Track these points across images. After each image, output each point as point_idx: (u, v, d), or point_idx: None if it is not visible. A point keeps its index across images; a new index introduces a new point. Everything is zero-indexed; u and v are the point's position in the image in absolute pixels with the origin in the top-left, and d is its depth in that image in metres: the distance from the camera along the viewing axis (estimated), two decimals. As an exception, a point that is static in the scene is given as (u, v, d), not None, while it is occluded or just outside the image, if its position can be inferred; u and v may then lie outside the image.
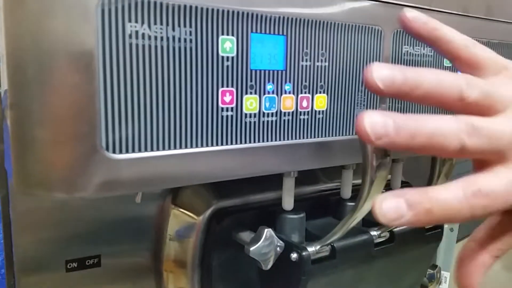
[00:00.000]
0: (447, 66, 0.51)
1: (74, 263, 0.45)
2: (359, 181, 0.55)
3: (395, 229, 0.49)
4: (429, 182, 0.56)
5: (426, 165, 0.65)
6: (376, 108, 0.46)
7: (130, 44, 0.30)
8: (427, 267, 0.58)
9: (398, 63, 0.47)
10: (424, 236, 0.52)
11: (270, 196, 0.52)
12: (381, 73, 0.28)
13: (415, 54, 0.48)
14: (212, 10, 0.34)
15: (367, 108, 0.45)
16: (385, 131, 0.26)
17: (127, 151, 0.31)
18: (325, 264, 0.43)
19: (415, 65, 0.48)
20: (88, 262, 0.46)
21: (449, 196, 0.26)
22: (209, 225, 0.48)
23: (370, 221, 0.53)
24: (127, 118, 0.31)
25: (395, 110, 0.47)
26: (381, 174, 0.37)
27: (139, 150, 0.32)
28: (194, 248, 0.48)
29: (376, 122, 0.26)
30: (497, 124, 0.29)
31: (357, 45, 0.43)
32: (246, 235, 0.45)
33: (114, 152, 0.31)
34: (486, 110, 0.29)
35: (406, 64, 0.47)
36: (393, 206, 0.26)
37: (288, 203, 0.47)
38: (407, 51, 0.47)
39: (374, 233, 0.48)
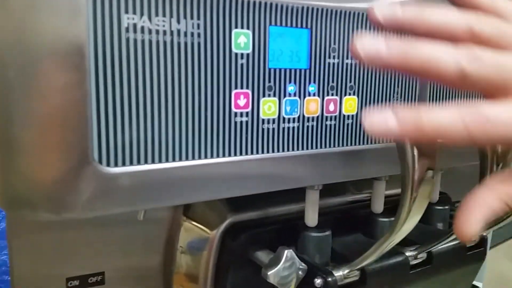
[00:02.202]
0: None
1: (76, 281, 0.41)
2: (392, 192, 0.50)
3: (433, 250, 0.43)
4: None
5: (468, 177, 0.59)
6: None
7: (127, 39, 0.26)
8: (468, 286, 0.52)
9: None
10: (466, 256, 0.46)
11: (292, 209, 0.47)
12: (383, 10, 0.27)
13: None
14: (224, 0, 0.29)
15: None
16: (376, 50, 0.25)
17: (123, 164, 0.27)
18: (354, 290, 0.38)
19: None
20: (91, 279, 0.42)
21: (444, 114, 0.24)
22: (223, 240, 0.43)
23: (407, 239, 0.47)
24: (124, 125, 0.27)
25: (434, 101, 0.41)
26: (423, 190, 0.31)
27: (138, 163, 0.28)
28: (206, 264, 0.43)
29: (367, 43, 0.25)
30: (505, 55, 0.26)
31: (393, 40, 0.37)
32: (264, 255, 0.40)
33: (108, 164, 0.27)
34: (497, 47, 0.26)
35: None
36: (382, 118, 0.24)
37: (311, 219, 0.41)
38: (450, 46, 0.41)
39: (409, 253, 0.42)
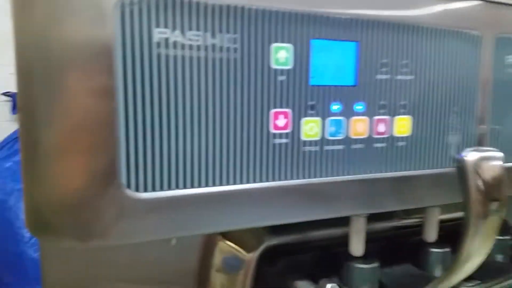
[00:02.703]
0: None
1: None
2: (447, 216, 0.45)
3: (496, 285, 0.38)
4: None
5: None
6: (471, 133, 0.36)
7: (159, 55, 0.24)
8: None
9: (500, 76, 0.36)
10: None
11: (334, 233, 0.43)
12: None
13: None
14: (263, 11, 0.26)
15: (463, 134, 0.35)
16: None
17: (153, 189, 0.25)
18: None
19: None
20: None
21: None
22: (260, 264, 0.40)
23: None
24: (154, 147, 0.25)
25: (496, 132, 0.37)
26: (489, 222, 0.27)
27: (169, 188, 0.25)
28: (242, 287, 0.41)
29: None
30: None
31: (450, 54, 0.33)
32: (304, 285, 0.37)
33: (137, 189, 0.25)
34: None
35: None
36: None
37: (357, 248, 0.38)
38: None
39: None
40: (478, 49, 0.35)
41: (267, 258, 0.41)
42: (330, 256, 0.40)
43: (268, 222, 0.29)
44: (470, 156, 0.25)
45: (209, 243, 0.45)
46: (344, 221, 0.39)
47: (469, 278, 0.39)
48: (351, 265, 0.37)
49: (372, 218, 0.43)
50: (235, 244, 0.43)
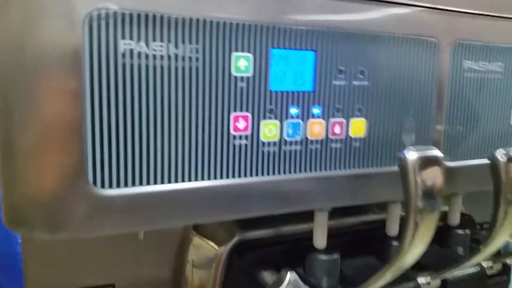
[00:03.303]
0: (522, 84, 0.43)
1: (86, 291, 0.42)
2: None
3: (449, 276, 0.41)
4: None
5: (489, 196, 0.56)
6: (425, 133, 0.38)
7: (124, 64, 0.26)
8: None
9: (458, 81, 0.39)
10: (486, 283, 0.44)
11: (302, 228, 0.46)
12: None
13: (480, 71, 0.40)
14: (224, 24, 0.29)
15: (418, 136, 0.38)
16: None
17: (118, 186, 0.27)
18: (359, 318, 0.37)
19: (480, 84, 0.40)
20: (101, 291, 0.43)
21: None
22: (231, 258, 0.43)
23: (421, 264, 0.45)
24: (119, 147, 0.27)
25: (451, 134, 0.40)
26: (427, 218, 0.30)
27: (133, 184, 0.28)
28: (214, 281, 0.43)
29: None
30: None
31: (406, 60, 0.36)
32: (269, 276, 0.40)
33: (103, 186, 0.27)
34: None
35: (469, 83, 0.40)
36: None
37: (320, 241, 0.40)
38: (470, 67, 0.39)
39: (422, 280, 0.40)
40: (435, 55, 0.37)
41: (238, 252, 0.43)
42: (297, 249, 0.43)
43: (229, 216, 0.31)
44: (411, 154, 0.28)
45: (184, 240, 0.47)
46: (310, 217, 0.42)
47: (426, 269, 0.42)
48: (314, 256, 0.40)
49: (339, 213, 0.45)
50: (208, 239, 0.45)
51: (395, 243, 0.44)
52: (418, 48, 0.36)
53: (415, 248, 0.30)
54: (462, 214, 0.50)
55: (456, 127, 0.40)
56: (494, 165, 0.32)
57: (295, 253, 0.43)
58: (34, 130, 0.26)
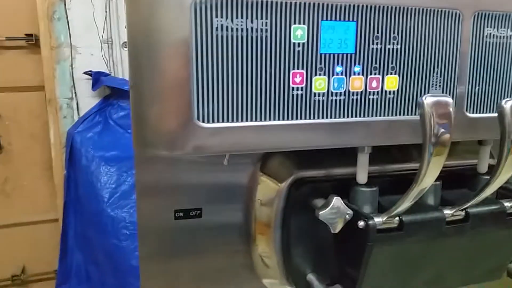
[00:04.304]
0: (541, 46, 0.49)
1: (181, 212, 0.55)
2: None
3: (471, 210, 0.50)
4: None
5: None
6: (453, 90, 0.47)
7: (217, 36, 0.38)
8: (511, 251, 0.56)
9: (479, 46, 0.47)
10: (505, 220, 0.51)
11: (349, 171, 0.56)
12: None
13: (500, 36, 0.47)
14: (286, 3, 0.39)
15: (443, 90, 0.46)
16: None
17: (214, 121, 0.39)
18: (391, 235, 0.47)
19: (499, 49, 0.48)
20: (192, 213, 0.56)
21: None
22: (289, 192, 0.54)
23: (449, 200, 0.54)
24: (214, 96, 0.39)
25: (474, 91, 0.48)
26: (439, 151, 0.39)
27: (224, 121, 0.40)
28: (276, 212, 0.55)
29: None
30: None
31: (433, 28, 0.44)
32: (320, 202, 0.50)
33: (203, 121, 0.39)
34: None
35: (490, 48, 0.47)
36: None
37: (362, 177, 0.50)
38: (490, 33, 0.47)
39: (447, 211, 0.49)
40: (458, 24, 0.45)
41: (294, 187, 0.54)
42: (344, 185, 0.53)
43: (288, 148, 0.42)
44: (427, 99, 0.37)
45: (251, 181, 0.59)
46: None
47: (453, 203, 0.51)
48: (356, 188, 0.50)
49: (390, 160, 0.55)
50: (272, 177, 0.56)
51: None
52: (443, 18, 0.44)
53: (430, 175, 0.40)
54: (492, 165, 0.57)
55: (478, 85, 0.48)
56: (500, 112, 0.40)
57: (343, 188, 0.53)
58: (158, 82, 0.38)
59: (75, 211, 1.79)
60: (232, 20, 0.38)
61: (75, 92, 1.82)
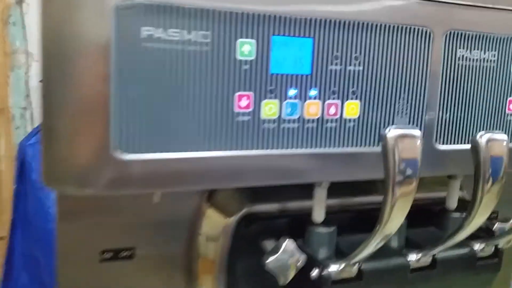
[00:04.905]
0: (516, 74, 0.45)
1: (109, 253, 0.47)
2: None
3: (438, 255, 0.44)
4: None
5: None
6: (421, 118, 0.41)
7: (145, 48, 0.31)
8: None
9: (451, 69, 0.42)
10: (475, 265, 0.46)
11: (306, 205, 0.49)
12: None
13: (473, 59, 0.43)
14: (230, 13, 0.33)
15: (410, 118, 0.41)
16: None
17: (136, 152, 0.32)
18: (349, 286, 0.40)
19: (473, 72, 0.43)
20: (122, 254, 0.48)
21: None
22: (237, 228, 0.47)
23: (414, 241, 0.48)
24: (140, 119, 0.32)
25: (444, 119, 0.43)
26: (404, 193, 0.33)
27: (150, 151, 0.33)
28: (222, 250, 0.48)
29: None
30: None
31: (399, 48, 0.39)
32: (270, 244, 0.44)
33: (124, 151, 0.32)
34: None
35: (463, 71, 0.42)
36: None
37: (318, 215, 0.44)
38: (463, 55, 0.42)
39: (412, 257, 0.43)
40: (428, 44, 0.40)
41: (244, 223, 0.47)
42: (299, 223, 0.47)
43: (231, 184, 0.36)
44: (391, 132, 0.31)
45: (196, 213, 0.52)
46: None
47: (417, 247, 0.45)
48: (311, 229, 0.44)
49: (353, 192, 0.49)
50: (219, 210, 0.50)
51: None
52: (411, 37, 0.39)
53: (394, 220, 0.34)
54: (462, 200, 0.53)
55: (449, 113, 0.43)
56: (474, 146, 0.35)
57: (297, 226, 0.47)
58: (69, 105, 0.31)
59: (23, 229, 1.66)
60: (164, 30, 0.31)
61: (29, 102, 1.71)
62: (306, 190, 0.45)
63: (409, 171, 0.32)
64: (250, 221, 0.47)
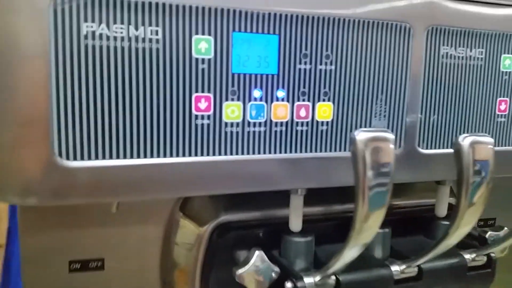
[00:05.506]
0: (504, 71, 0.42)
1: (77, 264, 0.45)
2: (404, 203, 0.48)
3: (425, 265, 0.41)
4: None
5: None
6: (402, 121, 0.38)
7: (86, 45, 0.29)
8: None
9: (435, 68, 0.39)
10: (465, 276, 0.43)
11: (284, 214, 0.47)
12: None
13: (459, 57, 0.40)
14: (183, 7, 0.30)
15: (388, 120, 0.38)
16: None
17: (82, 159, 0.30)
18: (326, 299, 0.37)
19: (459, 71, 0.40)
20: (91, 264, 0.46)
21: None
22: (212, 238, 0.44)
23: (400, 251, 0.45)
24: (82, 124, 0.29)
25: (428, 122, 0.40)
26: (375, 198, 0.30)
27: (96, 158, 0.30)
28: (195, 260, 0.45)
29: None
30: None
31: (376, 46, 0.36)
32: (243, 254, 0.41)
33: (68, 159, 0.29)
34: None
35: (447, 70, 0.39)
36: None
37: (295, 224, 0.41)
38: (447, 52, 0.39)
39: (396, 268, 0.40)
40: (408, 40, 0.37)
41: (217, 233, 0.45)
42: (276, 232, 0.44)
43: (190, 193, 0.33)
44: (361, 135, 0.28)
45: (170, 222, 0.49)
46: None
47: (403, 257, 0.42)
48: (288, 238, 0.41)
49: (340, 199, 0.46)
50: (192, 220, 0.47)
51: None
52: (388, 33, 0.36)
53: (367, 229, 0.31)
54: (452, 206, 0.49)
55: (433, 115, 0.40)
56: (456, 150, 0.32)
57: (274, 235, 0.44)
58: (8, 113, 0.28)
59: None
60: (108, 26, 0.29)
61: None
62: (286, 199, 0.42)
63: (381, 176, 0.29)
64: (225, 230, 0.45)
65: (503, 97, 0.42)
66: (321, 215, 0.48)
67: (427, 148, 0.40)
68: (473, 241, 0.47)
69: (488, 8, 0.39)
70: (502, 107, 0.42)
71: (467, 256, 0.44)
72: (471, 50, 0.40)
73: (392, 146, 0.29)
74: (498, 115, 0.42)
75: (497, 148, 0.42)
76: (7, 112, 0.28)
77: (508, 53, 0.41)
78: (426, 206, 0.51)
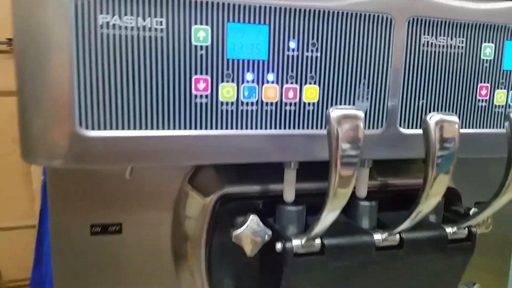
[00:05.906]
0: (485, 59, 0.45)
1: (98, 228, 0.51)
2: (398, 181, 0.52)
3: (406, 235, 0.45)
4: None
5: (478, 169, 0.58)
6: (384, 103, 0.43)
7: (102, 34, 0.34)
8: (455, 282, 0.51)
9: (415, 56, 0.43)
10: (446, 247, 0.47)
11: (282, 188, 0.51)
12: None
13: (439, 45, 0.43)
14: (184, 0, 0.35)
15: (371, 102, 0.42)
16: None
17: (99, 128, 0.35)
18: (310, 259, 0.42)
19: (439, 59, 0.43)
20: (110, 228, 0.52)
21: None
22: (216, 207, 0.50)
23: (385, 223, 0.49)
24: (99, 100, 0.35)
25: (409, 105, 0.43)
26: (346, 173, 0.34)
27: (111, 128, 0.36)
28: (201, 228, 0.50)
29: None
30: None
31: (359, 35, 0.40)
32: (239, 219, 0.46)
33: (87, 128, 0.35)
34: None
35: (428, 59, 0.43)
36: None
37: (288, 195, 0.46)
38: (428, 41, 0.43)
39: (378, 236, 0.45)
40: (390, 30, 0.41)
41: (220, 203, 0.50)
42: (273, 202, 0.49)
43: (190, 162, 0.38)
44: (334, 112, 0.33)
45: (182, 191, 0.55)
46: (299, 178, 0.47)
47: (390, 227, 0.46)
48: (281, 207, 0.46)
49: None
50: (199, 191, 0.52)
51: (362, 202, 0.48)
52: (370, 24, 0.40)
53: (340, 196, 0.35)
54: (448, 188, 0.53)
55: (414, 99, 0.43)
56: (424, 128, 0.36)
57: (271, 206, 0.49)
58: (38, 88, 0.34)
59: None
60: (120, 17, 0.34)
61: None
62: (282, 174, 0.47)
63: (350, 152, 0.33)
64: (227, 201, 0.50)
65: (484, 83, 0.45)
66: (316, 190, 0.52)
67: (408, 128, 0.44)
68: (457, 217, 0.51)
69: (469, 2, 0.43)
70: (483, 92, 0.46)
71: (449, 229, 0.47)
72: (451, 39, 0.43)
73: (361, 123, 0.33)
74: (479, 99, 0.46)
75: (478, 131, 0.46)
76: (38, 90, 0.34)
77: (488, 42, 0.45)
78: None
